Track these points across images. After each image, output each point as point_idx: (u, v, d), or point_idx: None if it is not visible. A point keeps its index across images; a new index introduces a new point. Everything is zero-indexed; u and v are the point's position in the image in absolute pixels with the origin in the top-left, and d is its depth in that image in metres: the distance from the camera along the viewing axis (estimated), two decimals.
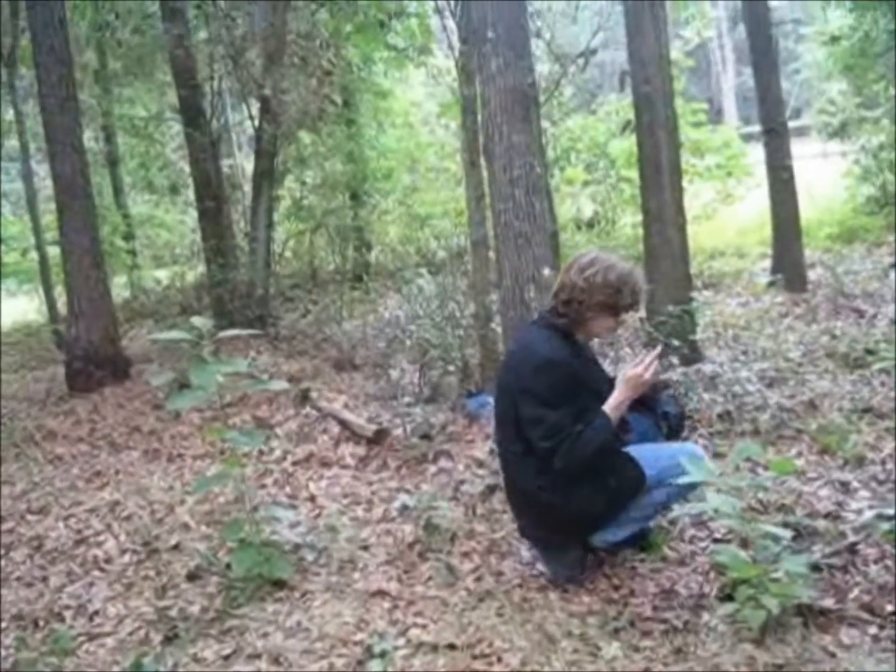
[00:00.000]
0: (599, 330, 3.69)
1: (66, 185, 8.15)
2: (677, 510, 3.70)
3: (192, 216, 14.32)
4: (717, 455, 4.67)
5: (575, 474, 3.46)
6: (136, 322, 11.62)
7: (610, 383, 3.66)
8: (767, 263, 10.17)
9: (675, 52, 11.06)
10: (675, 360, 5.52)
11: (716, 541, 3.81)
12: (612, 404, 3.49)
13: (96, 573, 4.33)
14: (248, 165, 13.24)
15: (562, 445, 3.38)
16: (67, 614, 3.91)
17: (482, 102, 5.19)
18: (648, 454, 3.57)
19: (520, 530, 3.85)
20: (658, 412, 3.85)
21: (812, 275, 9.58)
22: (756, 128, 12.01)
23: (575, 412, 3.43)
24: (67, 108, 8.12)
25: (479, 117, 5.84)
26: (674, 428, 3.88)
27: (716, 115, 28.38)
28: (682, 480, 3.27)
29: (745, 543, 3.48)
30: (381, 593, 3.70)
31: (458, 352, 6.22)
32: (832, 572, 3.39)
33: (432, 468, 5.11)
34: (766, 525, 3.28)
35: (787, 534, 3.18)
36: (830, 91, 15.11)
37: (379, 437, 5.62)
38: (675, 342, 5.64)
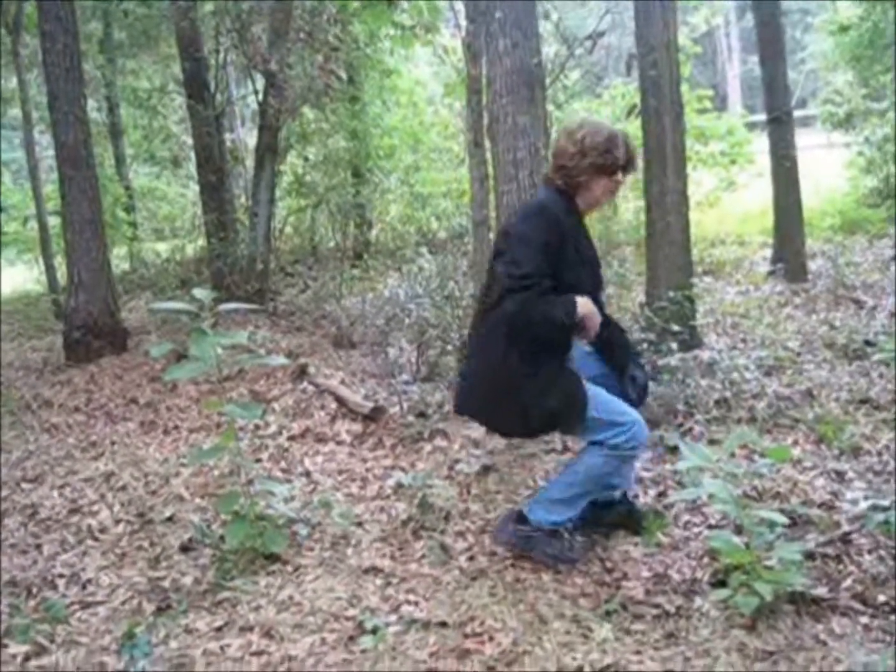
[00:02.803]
0: (598, 193, 3.66)
1: (69, 154, 8.11)
2: (673, 496, 3.70)
3: (193, 189, 14.31)
4: (713, 441, 4.69)
5: (523, 349, 3.44)
6: (134, 294, 11.60)
7: (595, 270, 3.73)
8: (768, 252, 10.16)
9: (683, 39, 11.01)
10: (673, 345, 5.51)
11: (710, 527, 3.82)
12: (583, 301, 3.47)
13: (90, 542, 4.33)
14: (251, 140, 13.20)
15: (524, 290, 3.34)
16: (60, 582, 3.91)
17: (488, 82, 5.17)
18: (602, 398, 3.53)
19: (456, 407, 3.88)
20: (626, 375, 3.78)
21: (813, 265, 9.57)
22: (760, 117, 11.98)
23: (551, 272, 3.40)
24: (71, 78, 8.07)
25: (485, 98, 5.84)
26: (639, 395, 3.81)
27: (720, 103, 28.29)
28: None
29: (739, 530, 3.50)
30: (374, 570, 3.71)
31: (456, 332, 6.21)
32: (826, 561, 3.40)
33: (428, 447, 5.12)
34: (761, 511, 3.29)
35: (783, 520, 3.18)
36: (836, 81, 15.04)
37: (375, 415, 5.62)
38: (675, 327, 5.64)
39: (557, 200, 3.59)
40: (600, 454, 3.52)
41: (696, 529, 3.85)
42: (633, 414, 3.53)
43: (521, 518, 3.70)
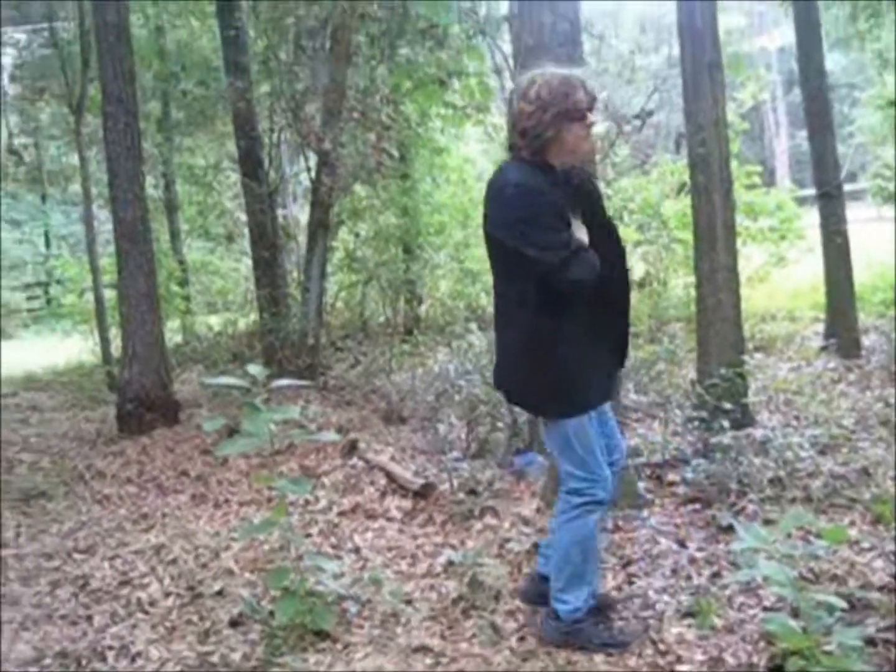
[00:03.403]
0: (572, 142, 3.44)
1: (127, 230, 8.31)
2: (728, 577, 3.65)
3: (245, 264, 14.50)
4: (767, 521, 4.60)
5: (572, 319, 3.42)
6: (186, 367, 11.74)
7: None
8: (820, 328, 10.08)
9: (730, 115, 11.08)
10: (725, 423, 5.47)
11: (765, 609, 3.74)
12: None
13: (140, 615, 4.34)
14: (302, 216, 13.42)
15: (574, 257, 3.31)
16: (110, 655, 3.92)
17: None
18: (590, 438, 3.52)
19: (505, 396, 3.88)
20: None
21: (866, 340, 9.48)
22: (809, 191, 11.97)
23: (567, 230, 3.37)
24: (131, 156, 8.31)
25: None
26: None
27: (769, 178, 28.33)
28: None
29: (795, 613, 3.41)
30: (424, 649, 3.67)
31: (506, 409, 6.21)
32: (887, 647, 3.31)
33: (478, 524, 5.09)
34: (818, 594, 3.23)
35: (842, 603, 3.12)
36: (885, 155, 15.02)
37: (425, 491, 5.62)
38: (727, 405, 5.60)
39: (531, 173, 3.41)
40: (572, 515, 3.53)
41: (751, 612, 3.78)
42: (605, 470, 3.53)
43: (556, 615, 3.66)
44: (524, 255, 3.34)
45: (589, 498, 3.51)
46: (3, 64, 29.01)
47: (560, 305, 3.40)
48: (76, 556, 5.33)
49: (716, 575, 4.17)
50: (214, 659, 3.75)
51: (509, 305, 3.58)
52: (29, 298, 26.90)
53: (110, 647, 3.99)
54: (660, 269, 13.04)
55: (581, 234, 3.43)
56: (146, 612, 4.37)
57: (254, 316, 11.52)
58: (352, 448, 6.48)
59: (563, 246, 3.31)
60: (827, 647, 3.04)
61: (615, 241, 3.63)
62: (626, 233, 13.02)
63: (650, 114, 6.81)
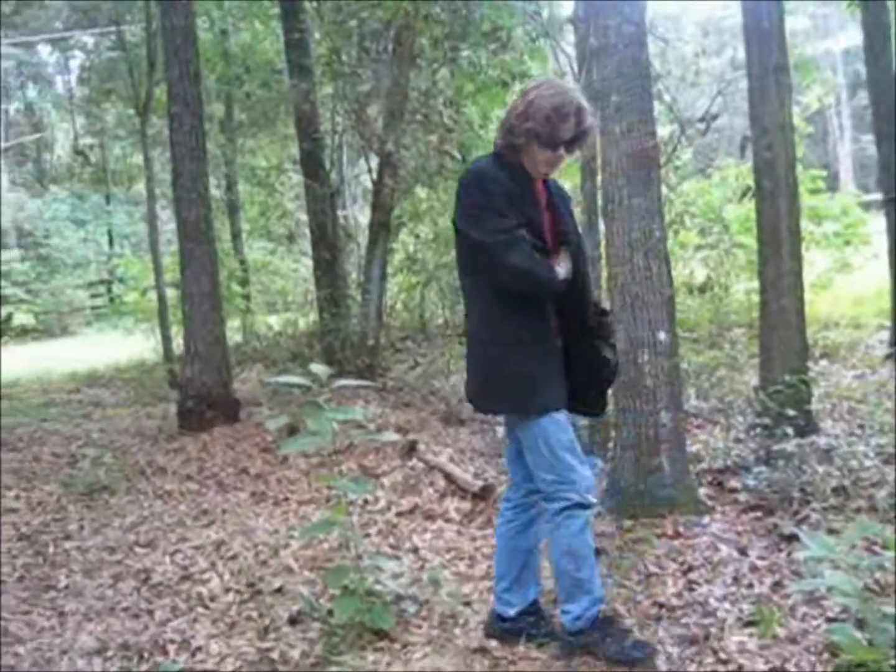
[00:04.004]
0: (536, 160, 3.46)
1: (191, 229, 8.41)
2: (791, 586, 3.60)
3: (305, 264, 14.63)
4: (831, 531, 4.52)
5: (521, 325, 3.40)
6: (246, 366, 11.86)
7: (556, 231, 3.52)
8: (885, 335, 9.91)
9: (795, 118, 10.94)
10: (789, 430, 5.40)
11: (829, 620, 3.67)
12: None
13: (200, 610, 4.39)
14: (362, 218, 13.50)
15: (515, 243, 3.28)
16: (171, 648, 3.97)
17: (603, 165, 5.21)
18: (565, 437, 3.48)
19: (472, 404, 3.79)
20: (598, 357, 3.63)
21: None
22: (874, 196, 11.79)
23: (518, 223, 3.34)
24: (195, 157, 8.41)
25: (599, 179, 5.88)
26: (605, 377, 3.69)
27: (832, 182, 27.95)
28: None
29: (860, 625, 3.36)
30: (482, 651, 3.66)
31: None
32: None
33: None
34: (885, 606, 3.17)
35: None
36: None
37: (484, 493, 5.61)
38: (790, 412, 5.53)
39: (496, 166, 3.44)
40: (555, 524, 3.50)
41: (814, 622, 3.71)
42: (579, 473, 3.48)
43: (563, 626, 3.65)
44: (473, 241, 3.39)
45: (564, 502, 3.46)
46: (71, 67, 29.62)
47: (520, 301, 3.39)
48: (138, 550, 5.41)
49: (778, 584, 4.11)
50: (274, 655, 3.78)
51: (474, 300, 3.57)
52: (92, 296, 27.38)
53: (171, 641, 4.04)
54: (721, 273, 12.91)
55: (565, 260, 3.45)
56: (206, 607, 4.41)
57: (313, 316, 11.60)
58: (411, 449, 6.50)
59: (504, 231, 3.29)
60: (893, 661, 2.98)
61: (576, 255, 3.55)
62: (687, 237, 12.96)
63: (715, 117, 6.74)
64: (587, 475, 3.51)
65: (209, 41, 13.35)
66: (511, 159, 3.47)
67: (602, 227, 6.05)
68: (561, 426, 3.46)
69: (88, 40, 21.81)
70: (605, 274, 5.80)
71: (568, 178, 11.07)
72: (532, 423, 3.47)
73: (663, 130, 8.00)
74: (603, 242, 5.83)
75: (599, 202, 5.84)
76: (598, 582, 3.59)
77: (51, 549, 5.55)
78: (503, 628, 3.74)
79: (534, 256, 3.32)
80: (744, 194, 8.00)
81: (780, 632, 3.64)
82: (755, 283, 8.74)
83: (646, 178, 4.96)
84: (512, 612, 3.73)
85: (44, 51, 29.77)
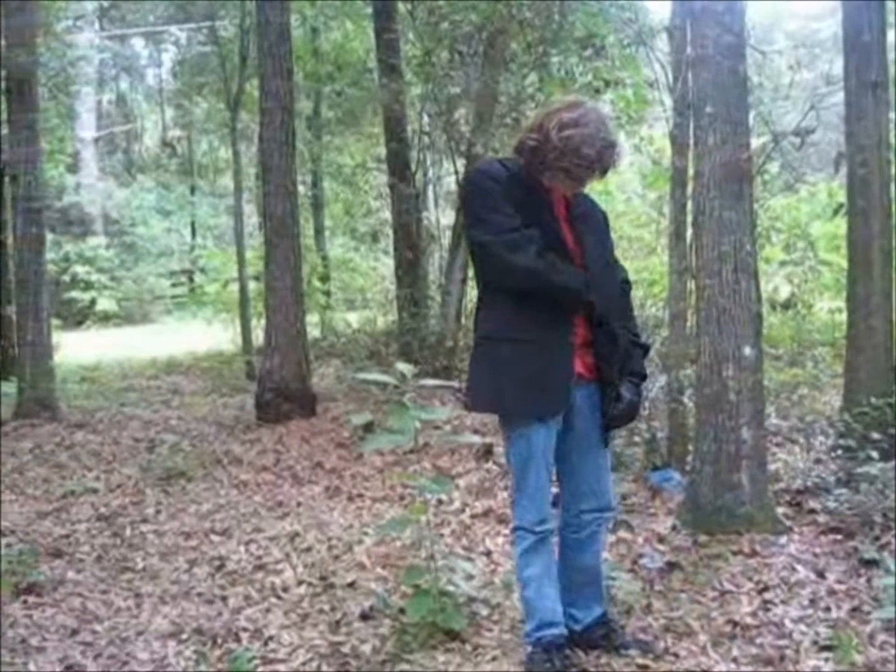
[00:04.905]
0: (554, 184, 3.35)
1: (277, 224, 8.53)
2: (874, 613, 3.52)
3: (385, 263, 14.73)
4: None
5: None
6: (324, 361, 11.97)
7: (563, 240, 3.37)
8: None
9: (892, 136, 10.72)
10: (874, 453, 5.29)
11: None
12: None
13: (273, 600, 4.44)
14: (444, 219, 13.53)
15: (521, 242, 3.19)
16: (244, 636, 4.01)
17: (695, 175, 5.16)
18: (526, 455, 3.39)
19: None
20: (614, 393, 3.45)
21: None
22: None
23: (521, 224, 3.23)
24: (285, 152, 8.53)
25: (689, 190, 5.82)
26: (618, 415, 3.48)
27: None
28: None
29: None
30: None
31: (645, 423, 6.14)
32: None
33: (611, 537, 5.03)
34: None
35: None
36: None
37: (558, 501, 5.57)
38: (875, 435, 5.42)
39: (500, 168, 3.34)
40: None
41: (893, 651, 3.64)
42: (539, 501, 3.44)
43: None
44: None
45: (516, 522, 3.46)
46: (163, 60, 30.18)
47: (518, 300, 3.30)
48: (213, 537, 5.50)
49: (856, 609, 4.02)
50: (345, 650, 3.80)
51: (480, 301, 3.54)
52: (173, 285, 27.84)
53: (244, 629, 4.08)
54: (805, 290, 12.71)
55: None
56: (279, 598, 4.46)
57: (392, 315, 11.67)
58: (486, 452, 6.50)
59: (504, 230, 3.21)
60: None
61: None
62: (773, 252, 12.78)
63: (811, 132, 6.63)
64: (543, 505, 3.48)
65: (300, 38, 13.51)
66: (525, 170, 3.36)
67: (689, 238, 6.02)
68: (533, 443, 3.38)
69: (181, 35, 22.21)
70: (691, 286, 5.74)
71: (657, 187, 11.02)
72: (508, 431, 3.47)
73: (755, 143, 7.90)
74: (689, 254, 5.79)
75: (689, 212, 5.80)
76: (552, 607, 3.49)
77: (128, 532, 5.68)
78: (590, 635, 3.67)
79: (544, 257, 3.22)
80: (836, 211, 7.84)
81: (858, 658, 3.56)
82: (839, 302, 8.59)
83: (738, 190, 4.89)
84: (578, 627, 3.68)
85: (138, 44, 30.37)
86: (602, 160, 3.26)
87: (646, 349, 3.72)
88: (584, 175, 3.31)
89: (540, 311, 3.29)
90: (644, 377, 3.65)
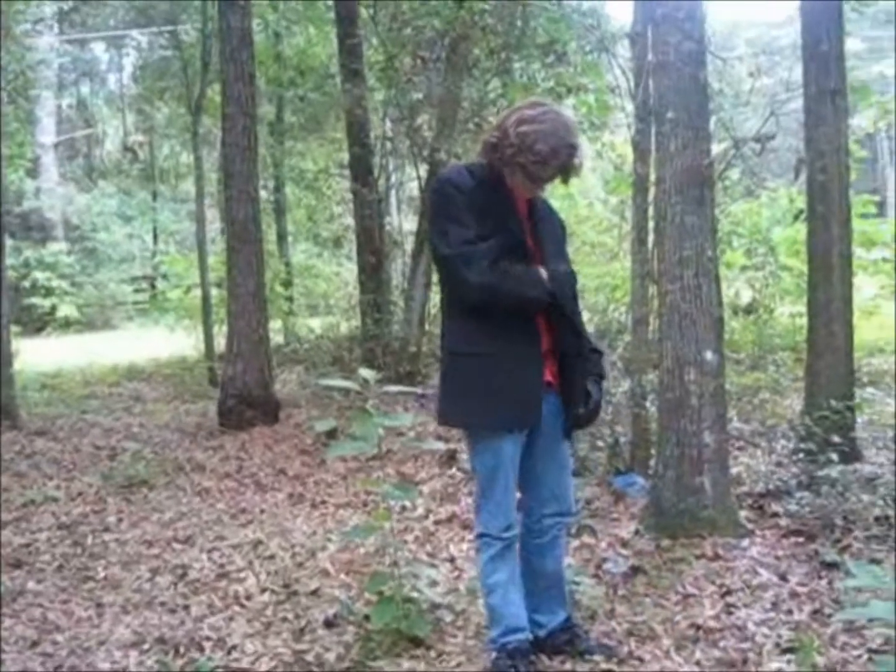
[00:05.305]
0: (515, 184, 3.36)
1: (239, 229, 8.49)
2: (836, 615, 3.54)
3: (348, 269, 14.68)
4: (873, 560, 4.47)
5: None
6: (286, 367, 11.92)
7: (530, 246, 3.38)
8: None
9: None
10: (833, 456, 5.35)
11: (871, 651, 3.62)
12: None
13: (236, 608, 4.41)
14: (406, 225, 13.53)
15: (474, 257, 3.17)
16: (207, 645, 3.99)
17: (656, 181, 5.19)
18: (493, 463, 3.39)
19: None
20: (579, 389, 3.47)
21: None
22: None
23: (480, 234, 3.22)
24: (247, 157, 8.49)
25: (651, 196, 5.85)
26: (585, 414, 3.51)
27: (879, 208, 27.65)
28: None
29: None
30: None
31: (608, 427, 6.16)
32: None
33: (574, 542, 5.04)
34: None
35: None
36: None
37: (522, 506, 5.58)
38: (835, 438, 5.48)
39: (467, 175, 3.34)
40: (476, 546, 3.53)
41: (854, 652, 3.65)
42: (503, 507, 3.45)
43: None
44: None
45: (482, 529, 3.47)
46: (124, 64, 29.98)
47: (479, 313, 3.29)
48: (176, 545, 5.47)
49: (818, 611, 4.06)
50: (309, 658, 3.78)
51: (445, 313, 3.57)
52: (135, 291, 27.64)
53: (207, 638, 4.06)
54: (766, 295, 12.81)
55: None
56: (242, 606, 4.44)
57: (355, 321, 11.65)
58: (450, 458, 6.50)
59: (460, 242, 3.21)
60: None
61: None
62: (733, 257, 12.87)
63: (771, 137, 6.69)
64: (507, 512, 3.49)
65: (262, 43, 13.45)
66: (489, 173, 3.37)
67: (651, 243, 6.05)
68: (501, 453, 3.39)
69: (142, 39, 22.07)
70: (653, 291, 5.78)
71: (619, 193, 11.07)
72: (472, 439, 3.50)
73: (715, 149, 7.96)
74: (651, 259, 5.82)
75: (651, 217, 5.83)
76: (517, 613, 3.50)
77: (89, 541, 5.63)
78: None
79: (497, 269, 3.20)
80: (796, 217, 7.93)
81: (820, 660, 3.59)
82: (800, 307, 8.66)
83: (699, 196, 4.92)
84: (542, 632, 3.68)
85: (98, 48, 30.16)
86: (557, 158, 3.25)
87: (600, 353, 3.72)
88: (539, 173, 3.30)
89: (503, 323, 3.30)
90: (603, 377, 3.67)
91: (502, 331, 3.31)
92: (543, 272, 3.32)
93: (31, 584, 4.86)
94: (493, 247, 3.22)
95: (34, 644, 4.10)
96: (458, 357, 3.41)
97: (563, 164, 3.29)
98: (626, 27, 7.39)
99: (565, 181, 3.46)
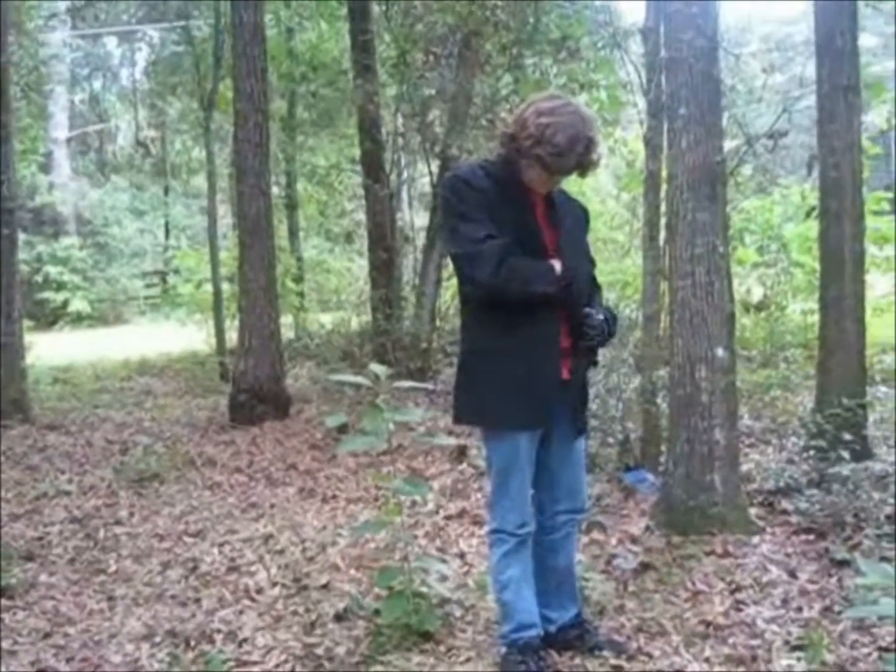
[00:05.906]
0: (531, 178, 3.35)
1: (251, 224, 8.50)
2: (846, 612, 3.54)
3: (359, 264, 14.67)
4: (884, 559, 4.46)
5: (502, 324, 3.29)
6: (297, 362, 11.93)
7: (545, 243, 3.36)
8: None
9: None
10: (845, 454, 5.33)
11: (880, 649, 3.62)
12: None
13: (247, 602, 4.43)
14: (418, 221, 13.52)
15: (481, 255, 3.17)
16: (218, 638, 4.00)
17: (668, 178, 5.18)
18: (508, 460, 3.38)
19: None
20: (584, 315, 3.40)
21: None
22: None
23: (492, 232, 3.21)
24: (259, 153, 8.50)
25: (663, 192, 5.85)
26: (605, 332, 3.43)
27: (893, 205, 27.50)
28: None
29: None
30: None
31: (618, 424, 6.16)
32: None
33: (584, 538, 5.04)
34: None
35: None
36: None
37: (535, 502, 5.59)
38: (847, 436, 5.46)
39: (482, 173, 3.33)
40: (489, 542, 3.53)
41: (864, 650, 3.65)
42: (518, 503, 3.43)
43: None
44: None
45: (496, 525, 3.47)
46: (136, 60, 30.03)
47: (495, 309, 3.30)
48: (187, 539, 5.48)
49: (827, 609, 4.05)
50: (319, 651, 3.79)
51: (462, 311, 3.58)
52: (147, 286, 27.68)
53: (218, 631, 4.07)
54: (777, 292, 12.77)
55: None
56: (253, 600, 4.45)
57: (366, 316, 11.64)
58: (460, 453, 6.50)
59: (470, 241, 3.22)
60: None
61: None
62: (745, 254, 12.83)
63: (783, 134, 6.67)
64: (524, 509, 3.47)
65: (275, 39, 13.46)
66: (504, 169, 3.37)
67: (662, 240, 6.05)
68: (517, 450, 3.38)
69: (154, 34, 22.12)
70: (664, 288, 5.77)
71: (631, 189, 11.05)
72: (488, 438, 3.51)
73: (728, 145, 7.95)
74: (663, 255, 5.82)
75: (662, 214, 5.83)
76: (529, 609, 3.51)
77: (101, 534, 5.64)
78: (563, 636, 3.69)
79: (503, 268, 3.19)
80: (808, 214, 7.90)
81: (829, 658, 3.59)
82: (812, 304, 8.63)
83: (711, 192, 4.91)
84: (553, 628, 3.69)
85: (111, 43, 30.21)
86: (574, 151, 3.23)
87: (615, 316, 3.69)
88: (557, 165, 3.28)
89: (521, 319, 3.30)
90: (613, 315, 3.63)
91: (520, 327, 3.31)
92: (557, 265, 3.30)
93: (43, 577, 4.89)
94: (503, 245, 3.21)
95: (46, 636, 4.12)
96: (475, 353, 3.42)
97: (581, 157, 3.28)
98: (639, 23, 7.38)
99: (583, 175, 3.45)
